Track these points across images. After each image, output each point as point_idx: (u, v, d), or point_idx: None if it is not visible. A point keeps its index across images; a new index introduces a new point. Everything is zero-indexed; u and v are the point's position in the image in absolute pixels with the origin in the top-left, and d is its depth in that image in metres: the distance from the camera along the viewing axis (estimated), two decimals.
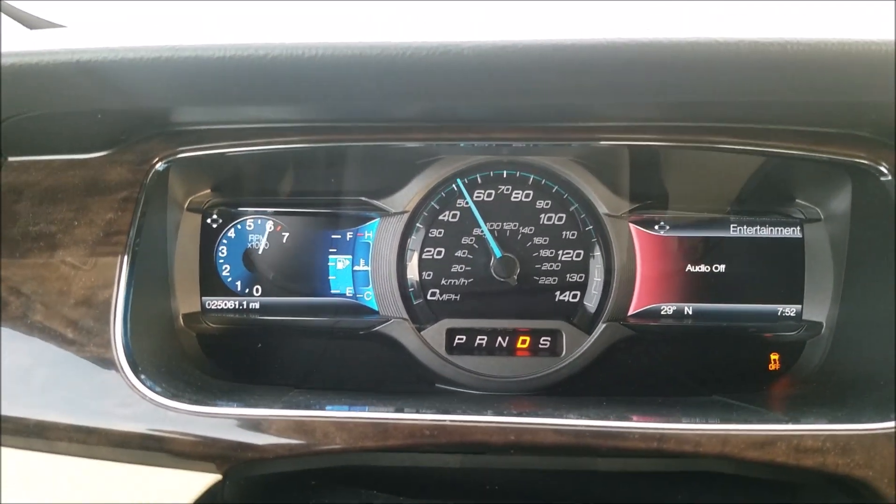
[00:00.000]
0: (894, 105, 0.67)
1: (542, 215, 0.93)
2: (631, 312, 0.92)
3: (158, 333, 0.80)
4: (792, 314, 0.93)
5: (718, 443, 0.62)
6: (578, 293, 0.92)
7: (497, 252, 0.90)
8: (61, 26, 1.00)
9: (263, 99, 0.68)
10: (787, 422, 0.66)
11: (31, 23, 0.98)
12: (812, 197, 0.93)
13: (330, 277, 0.94)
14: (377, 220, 0.93)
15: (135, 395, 0.65)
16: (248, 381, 0.85)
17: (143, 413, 0.64)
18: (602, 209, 0.92)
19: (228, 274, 0.94)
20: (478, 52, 0.59)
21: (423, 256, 0.92)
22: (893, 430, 0.64)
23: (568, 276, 0.92)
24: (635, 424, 0.63)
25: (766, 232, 0.95)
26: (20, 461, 0.65)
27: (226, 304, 0.93)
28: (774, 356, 0.94)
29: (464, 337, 0.91)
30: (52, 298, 0.69)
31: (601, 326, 0.90)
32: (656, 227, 0.94)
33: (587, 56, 0.60)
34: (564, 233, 0.93)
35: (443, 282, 0.92)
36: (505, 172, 0.93)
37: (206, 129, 0.78)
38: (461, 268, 0.92)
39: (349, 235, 0.94)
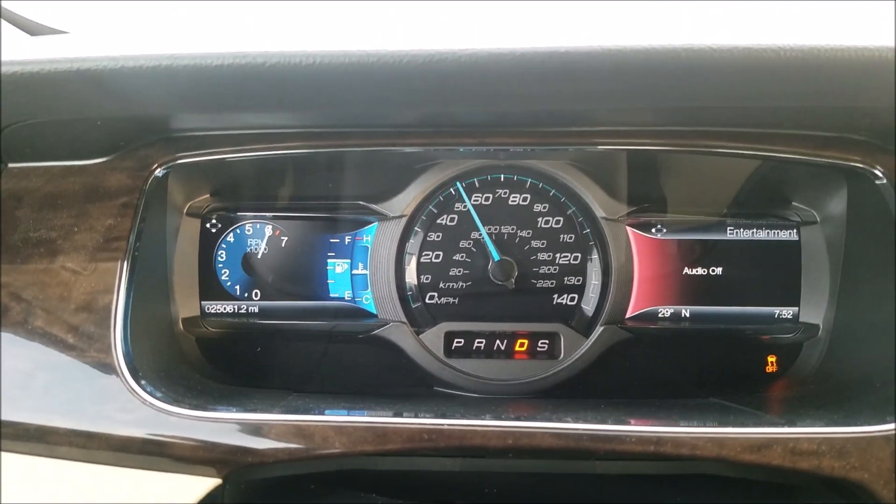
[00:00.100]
0: (891, 109, 0.67)
1: (540, 219, 0.94)
2: (628, 315, 0.93)
3: (158, 338, 0.80)
4: (789, 316, 0.94)
5: (715, 446, 0.63)
6: (576, 296, 0.93)
7: (495, 255, 0.91)
8: (63, 32, 1.01)
9: (262, 106, 0.69)
10: (783, 424, 0.66)
11: (32, 29, 0.98)
12: (808, 200, 0.94)
13: (329, 281, 0.94)
14: (375, 223, 0.94)
15: (135, 400, 0.65)
16: (247, 385, 0.85)
17: (144, 418, 0.65)
18: (599, 212, 0.92)
19: (228, 278, 0.94)
20: (474, 59, 0.60)
21: (422, 260, 0.93)
22: (890, 432, 0.64)
23: (566, 279, 0.93)
24: (632, 428, 0.63)
25: (762, 235, 0.95)
26: (21, 466, 0.65)
27: (225, 309, 0.93)
28: (771, 358, 0.94)
29: (462, 340, 0.92)
30: (53, 304, 0.70)
31: (599, 329, 0.90)
32: (653, 230, 0.95)
33: (582, 63, 0.61)
34: (562, 236, 0.93)
35: (441, 285, 0.93)
36: (502, 176, 0.94)
37: (205, 135, 0.78)
38: (459, 271, 0.93)
39: (347, 239, 0.95)
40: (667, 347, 0.94)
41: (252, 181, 0.94)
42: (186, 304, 0.90)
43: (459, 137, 0.80)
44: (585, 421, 0.64)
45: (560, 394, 0.88)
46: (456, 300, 0.93)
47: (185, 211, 0.90)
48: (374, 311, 0.93)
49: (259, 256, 0.94)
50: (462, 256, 0.93)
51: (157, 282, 0.84)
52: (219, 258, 0.94)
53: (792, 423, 0.66)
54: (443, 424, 0.63)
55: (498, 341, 0.92)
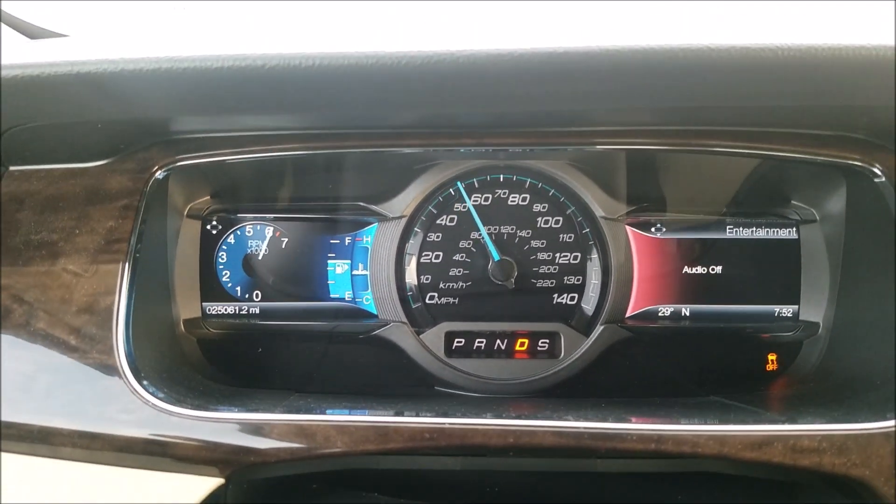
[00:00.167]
0: (891, 108, 0.67)
1: (539, 218, 0.94)
2: (629, 314, 0.93)
3: (160, 339, 0.81)
4: (789, 314, 0.94)
5: (716, 443, 0.63)
6: (576, 295, 0.93)
7: (495, 255, 0.91)
8: (62, 35, 1.01)
9: (261, 108, 0.69)
10: (783, 422, 0.66)
11: (31, 32, 0.98)
12: (807, 198, 0.94)
13: (329, 282, 0.95)
14: (375, 224, 0.94)
15: (137, 400, 0.66)
16: (248, 386, 0.86)
17: (146, 419, 0.65)
18: (599, 212, 0.93)
19: (228, 279, 0.94)
20: (472, 60, 0.60)
21: (422, 260, 0.93)
22: (890, 429, 0.64)
23: (565, 278, 0.93)
24: (633, 426, 0.64)
25: (762, 233, 0.95)
26: (24, 467, 0.66)
27: (226, 310, 0.94)
28: (772, 356, 0.95)
29: (462, 340, 0.92)
30: (55, 306, 0.70)
31: (599, 328, 0.90)
32: (653, 229, 0.95)
33: (581, 64, 0.61)
34: (561, 236, 0.93)
35: (441, 285, 0.93)
36: (502, 176, 0.94)
37: (205, 137, 0.79)
38: (459, 271, 0.93)
39: (348, 240, 0.95)
40: (667, 346, 0.95)
41: (252, 183, 0.95)
42: (187, 306, 0.90)
43: (458, 138, 0.80)
44: (586, 419, 0.64)
45: (560, 393, 0.89)
46: (456, 300, 0.93)
47: (185, 213, 0.91)
48: (375, 312, 0.93)
49: (259, 258, 0.94)
50: (462, 256, 0.93)
51: (159, 283, 0.84)
52: (219, 260, 0.94)
53: (793, 421, 0.67)
54: (444, 423, 0.63)
55: (498, 341, 0.92)
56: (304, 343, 0.95)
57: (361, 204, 0.94)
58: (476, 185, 0.94)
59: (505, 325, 0.92)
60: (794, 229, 0.94)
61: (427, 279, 0.93)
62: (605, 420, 0.64)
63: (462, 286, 0.93)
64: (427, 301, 0.93)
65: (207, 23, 1.07)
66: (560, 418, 0.64)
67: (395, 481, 0.73)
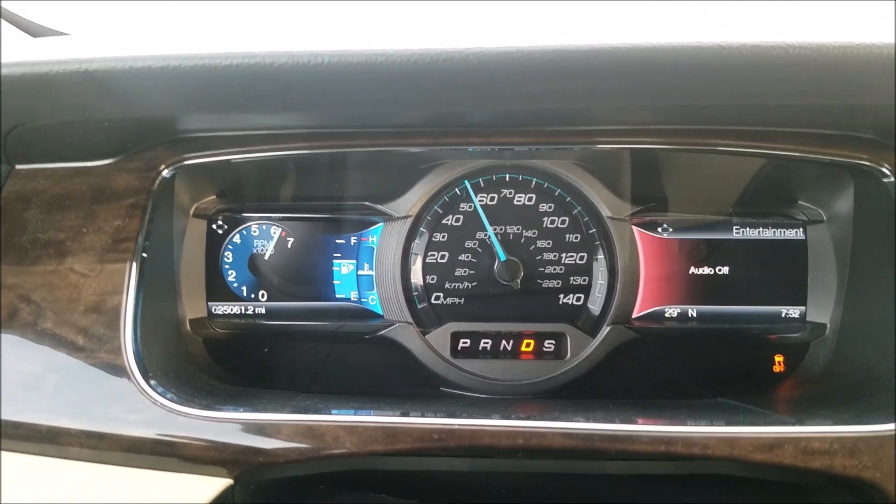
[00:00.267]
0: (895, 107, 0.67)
1: (546, 218, 0.93)
2: (635, 315, 0.93)
3: (167, 339, 0.80)
4: (796, 315, 0.93)
5: (726, 445, 0.63)
6: (582, 296, 0.93)
7: (502, 256, 0.91)
8: (64, 34, 1.01)
9: (269, 106, 0.69)
10: (793, 424, 0.66)
11: (34, 31, 0.98)
12: (814, 198, 0.94)
13: (335, 282, 0.94)
14: (381, 224, 0.94)
15: (146, 400, 0.65)
16: (254, 386, 0.85)
17: (154, 419, 0.65)
18: (605, 212, 0.92)
19: (234, 279, 0.94)
20: (482, 57, 0.60)
21: (427, 260, 0.93)
22: None
23: (571, 279, 0.92)
24: (643, 428, 0.63)
25: (769, 234, 0.95)
26: (32, 467, 0.65)
27: (232, 310, 0.93)
28: (779, 358, 0.94)
29: (468, 340, 0.91)
30: (62, 305, 0.70)
31: (605, 329, 0.90)
32: (659, 229, 0.95)
33: (590, 61, 0.61)
34: (567, 236, 0.93)
35: (447, 285, 0.93)
36: (507, 176, 0.94)
37: (212, 136, 0.78)
38: (465, 271, 0.93)
39: (353, 240, 0.95)
40: (673, 347, 0.94)
41: (258, 182, 0.94)
42: (193, 305, 0.90)
43: (465, 137, 0.80)
44: (595, 421, 0.64)
45: (567, 394, 0.88)
46: (462, 300, 0.93)
47: (191, 212, 0.90)
48: (380, 312, 0.93)
49: (265, 257, 0.94)
50: (468, 257, 0.93)
51: (165, 283, 0.84)
52: (225, 259, 0.94)
53: (802, 422, 0.66)
54: (453, 424, 0.63)
55: (504, 341, 0.92)
56: (309, 343, 0.95)
57: (367, 203, 0.94)
58: (482, 184, 0.94)
59: (511, 326, 0.91)
60: (802, 230, 0.94)
61: (433, 279, 0.93)
62: (614, 421, 0.64)
63: (468, 286, 0.93)
64: (433, 301, 0.93)
65: (210, 20, 1.06)
66: (569, 420, 0.64)
67: (402, 482, 0.73)
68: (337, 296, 0.94)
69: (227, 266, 0.94)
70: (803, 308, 0.93)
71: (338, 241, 0.95)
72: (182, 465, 0.64)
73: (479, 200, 0.93)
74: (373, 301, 0.94)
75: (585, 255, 0.93)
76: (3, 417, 0.65)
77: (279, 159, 0.82)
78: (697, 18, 0.79)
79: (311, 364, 0.94)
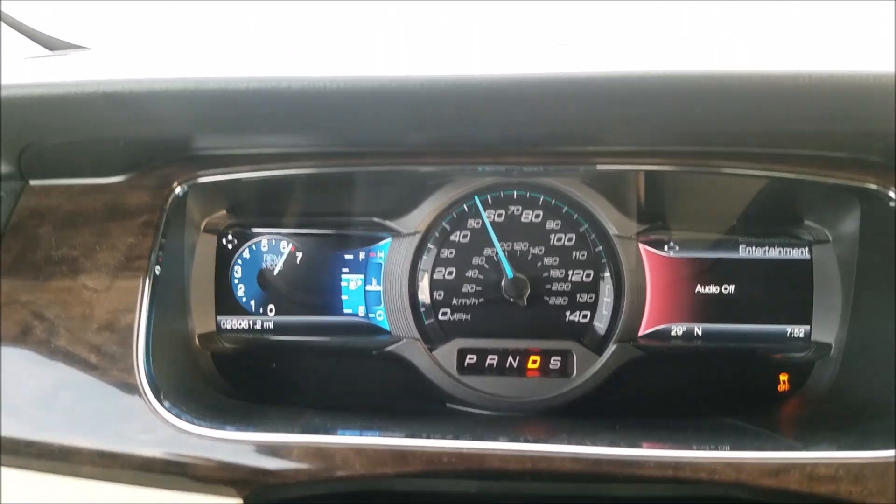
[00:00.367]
0: None
1: (552, 236, 0.94)
2: (641, 333, 0.93)
3: (177, 355, 0.81)
4: (801, 335, 0.94)
5: (733, 470, 0.63)
6: (588, 313, 0.93)
7: (509, 272, 0.91)
8: (80, 47, 1.02)
9: (283, 128, 0.70)
10: (799, 448, 0.66)
11: (51, 44, 1.00)
12: (820, 218, 0.94)
13: (342, 297, 0.95)
14: (389, 240, 0.95)
15: (157, 420, 0.66)
16: (262, 400, 0.86)
17: (166, 438, 0.65)
18: (612, 230, 0.93)
19: (243, 294, 0.95)
20: (493, 84, 0.61)
21: (435, 276, 0.93)
22: None
23: (578, 296, 0.93)
24: (651, 452, 0.64)
25: (774, 253, 0.95)
26: (44, 485, 0.66)
27: (240, 324, 0.94)
28: (784, 377, 0.95)
29: (475, 357, 0.92)
30: (76, 323, 0.71)
31: (612, 347, 0.91)
32: (666, 247, 0.95)
33: (602, 88, 0.61)
34: (574, 253, 0.94)
35: (454, 302, 0.93)
36: (515, 193, 0.94)
37: (224, 155, 0.79)
38: (472, 287, 0.93)
39: (361, 255, 0.95)
40: (679, 365, 0.95)
41: (268, 198, 0.95)
42: (203, 320, 0.90)
43: (475, 157, 0.81)
44: (603, 444, 0.64)
45: (573, 412, 0.89)
46: (468, 317, 0.93)
47: (202, 227, 0.91)
48: (388, 328, 0.94)
49: (274, 272, 0.95)
50: (475, 273, 0.94)
51: (176, 298, 0.85)
52: (234, 274, 0.95)
53: (809, 447, 0.67)
54: (462, 448, 0.63)
55: (511, 358, 0.92)
56: (317, 358, 0.96)
57: (376, 220, 0.95)
58: (490, 201, 0.94)
59: (517, 343, 0.92)
60: (807, 249, 0.95)
61: (440, 295, 0.93)
62: (622, 445, 0.64)
63: (475, 302, 0.93)
64: (440, 317, 0.93)
65: (226, 36, 1.08)
66: (577, 443, 0.64)
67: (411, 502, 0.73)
68: (345, 311, 0.95)
69: (236, 281, 0.95)
70: (808, 327, 0.94)
71: (346, 257, 0.95)
72: (192, 484, 0.65)
73: (487, 217, 0.93)
74: (380, 316, 0.95)
75: (592, 272, 0.93)
76: (18, 436, 0.66)
77: (290, 177, 0.82)
78: (703, 46, 0.80)
79: (319, 379, 0.95)
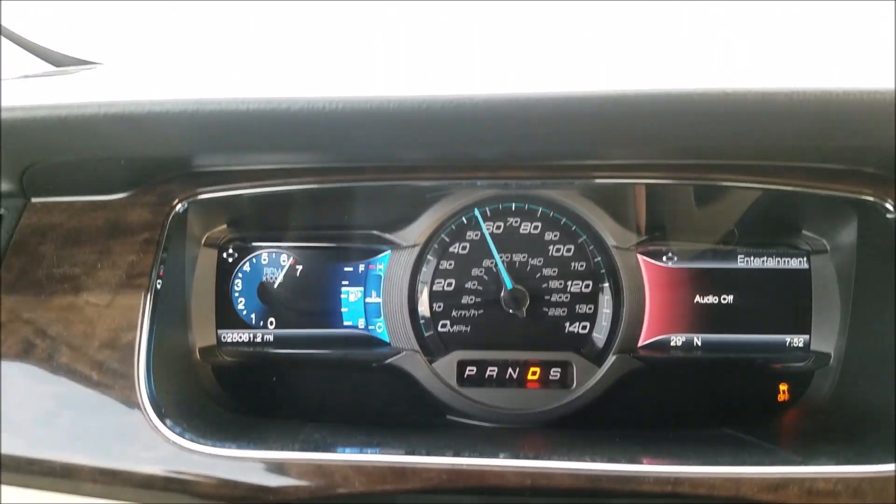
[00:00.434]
0: None
1: (551, 247, 0.94)
2: (640, 344, 0.93)
3: (178, 370, 0.82)
4: (800, 345, 0.94)
5: (732, 485, 0.63)
6: (588, 324, 0.93)
7: (508, 284, 0.92)
8: (86, 62, 1.03)
9: (283, 147, 0.71)
10: (799, 463, 0.66)
11: (57, 60, 1.00)
12: (818, 229, 0.95)
13: (342, 309, 0.96)
14: (388, 252, 0.95)
15: (158, 437, 0.66)
16: (263, 413, 0.86)
17: (167, 456, 0.66)
18: (610, 241, 0.93)
19: (243, 307, 0.95)
20: (490, 104, 0.62)
21: (434, 288, 0.94)
22: None
23: (577, 307, 0.93)
24: (650, 468, 0.64)
25: (772, 263, 0.96)
26: (43, 502, 0.66)
27: (241, 337, 0.94)
28: (783, 387, 0.95)
29: (474, 368, 0.92)
30: (78, 341, 0.71)
31: (611, 358, 0.91)
32: (664, 258, 0.96)
33: (598, 107, 0.62)
34: (573, 264, 0.94)
35: (453, 313, 0.94)
36: (513, 205, 0.95)
37: (225, 171, 0.80)
38: (471, 299, 0.94)
39: (361, 268, 0.96)
40: (679, 376, 0.95)
41: (268, 212, 0.96)
42: (203, 334, 0.91)
43: (473, 171, 0.82)
44: (602, 460, 0.65)
45: (573, 424, 0.89)
46: (468, 328, 0.93)
47: (202, 241, 0.92)
48: (387, 340, 0.94)
49: (274, 285, 0.95)
50: (474, 284, 0.94)
51: (177, 313, 0.85)
52: (235, 287, 0.95)
53: (807, 461, 0.67)
54: (462, 464, 0.64)
55: (510, 370, 0.92)
56: (317, 371, 0.96)
57: (375, 233, 0.95)
58: (488, 213, 0.95)
59: (517, 354, 0.92)
60: (805, 259, 0.95)
61: (439, 307, 0.94)
62: (621, 461, 0.65)
63: (474, 314, 0.94)
64: (439, 329, 0.94)
65: (238, 50, 1.08)
66: (577, 459, 0.65)
67: None
68: (344, 323, 0.95)
69: (236, 294, 0.95)
70: (808, 337, 0.94)
71: (346, 269, 0.96)
72: (193, 501, 0.65)
73: (486, 228, 0.94)
74: (380, 329, 0.95)
75: (591, 283, 0.94)
76: (19, 454, 0.66)
77: (289, 191, 0.83)
78: (699, 63, 0.80)
79: (319, 392, 0.95)
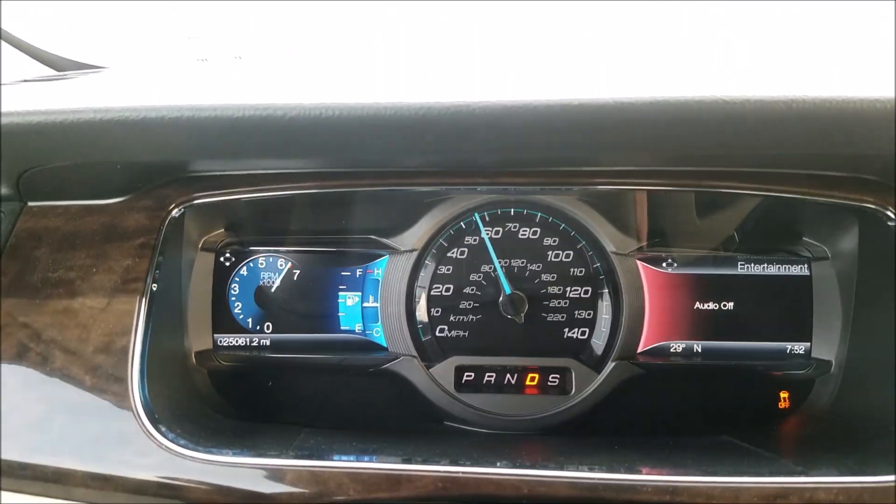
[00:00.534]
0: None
1: (550, 252, 0.94)
2: (640, 350, 0.93)
3: (173, 374, 0.81)
4: (801, 352, 0.93)
5: (731, 496, 0.63)
6: (587, 330, 0.93)
7: (507, 289, 0.91)
8: (88, 66, 1.03)
9: (280, 153, 0.70)
10: (798, 473, 0.66)
11: (59, 65, 1.01)
12: (819, 235, 0.94)
13: (339, 314, 0.95)
14: (386, 256, 0.95)
15: (152, 443, 0.66)
16: (259, 418, 0.86)
17: (160, 462, 0.65)
18: (609, 247, 0.93)
19: (240, 311, 0.95)
20: (487, 111, 0.61)
21: (432, 293, 0.93)
22: None
23: (576, 313, 0.93)
24: (648, 477, 0.63)
25: (773, 269, 0.95)
26: None
27: (237, 341, 0.94)
28: (784, 394, 0.94)
29: (472, 374, 0.92)
30: (72, 345, 0.71)
31: (610, 365, 0.90)
32: (664, 264, 0.95)
33: (596, 115, 0.62)
34: (572, 270, 0.94)
35: (451, 318, 0.93)
36: (512, 210, 0.94)
37: (222, 175, 0.80)
38: (469, 304, 0.93)
39: (359, 272, 0.95)
40: (679, 382, 0.94)
41: (265, 216, 0.95)
42: (199, 338, 0.90)
43: (471, 177, 0.81)
44: (600, 469, 0.64)
45: (571, 430, 0.88)
46: (466, 333, 0.93)
47: (199, 246, 0.91)
48: (385, 345, 0.94)
49: (272, 289, 0.95)
50: (472, 289, 0.93)
51: (173, 318, 0.85)
52: (232, 291, 0.95)
53: (807, 471, 0.66)
54: (457, 473, 0.63)
55: (508, 375, 0.92)
56: (314, 375, 0.95)
57: (373, 237, 0.95)
58: (487, 218, 0.94)
59: (515, 360, 0.91)
60: (806, 266, 0.94)
61: (437, 312, 0.93)
62: (619, 470, 0.64)
63: (472, 319, 0.93)
64: (437, 334, 0.93)
65: (244, 54, 1.08)
66: (574, 468, 0.64)
67: None
68: (342, 328, 0.95)
69: (233, 298, 0.95)
70: (808, 344, 0.93)
71: (343, 274, 0.95)
72: None
73: (485, 233, 0.93)
74: (377, 333, 0.94)
75: (590, 289, 0.93)
76: (12, 458, 0.66)
77: (287, 196, 0.83)
78: (699, 71, 0.80)
79: (316, 396, 0.95)
